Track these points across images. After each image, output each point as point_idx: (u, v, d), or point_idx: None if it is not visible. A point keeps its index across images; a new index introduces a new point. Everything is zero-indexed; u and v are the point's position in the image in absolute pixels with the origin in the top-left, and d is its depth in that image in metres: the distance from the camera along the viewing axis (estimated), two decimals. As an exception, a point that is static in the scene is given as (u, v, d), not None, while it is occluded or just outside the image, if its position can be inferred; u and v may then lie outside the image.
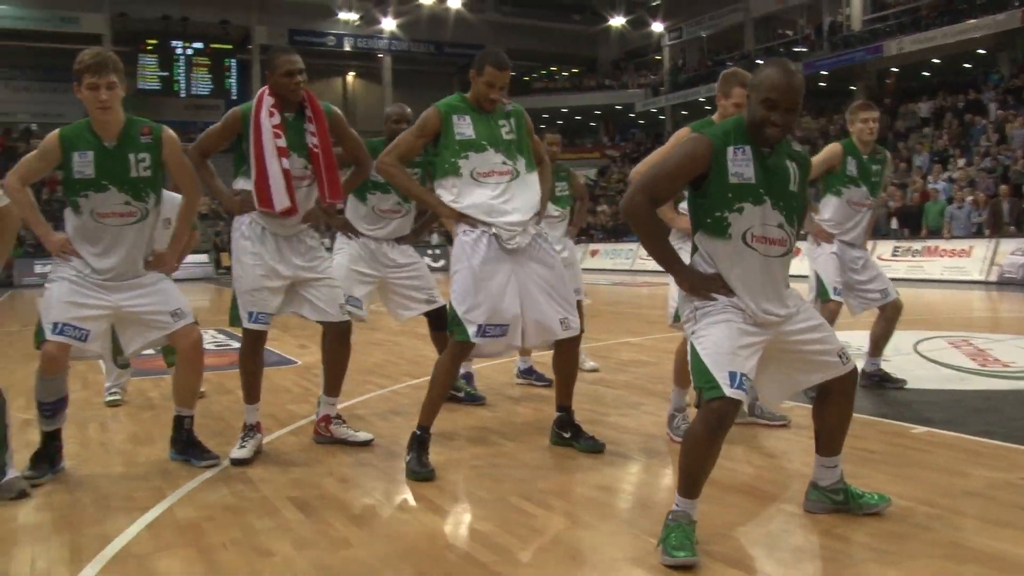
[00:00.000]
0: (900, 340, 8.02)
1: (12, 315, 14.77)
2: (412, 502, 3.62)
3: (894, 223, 20.11)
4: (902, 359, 7.05)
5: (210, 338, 9.45)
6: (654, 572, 2.78)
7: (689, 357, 3.02)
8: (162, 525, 3.40)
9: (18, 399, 5.57)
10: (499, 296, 4.01)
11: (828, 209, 5.78)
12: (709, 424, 2.89)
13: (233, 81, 37.99)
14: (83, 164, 4.01)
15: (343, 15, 37.84)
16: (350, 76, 43.32)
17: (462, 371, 5.80)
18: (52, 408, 4.15)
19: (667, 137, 27.40)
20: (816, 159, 5.73)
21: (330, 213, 4.67)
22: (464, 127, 4.15)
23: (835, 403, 3.25)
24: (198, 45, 36.86)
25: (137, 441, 4.90)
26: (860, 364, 5.93)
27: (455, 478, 3.98)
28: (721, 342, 2.95)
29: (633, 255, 26.06)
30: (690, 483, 2.93)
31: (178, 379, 4.42)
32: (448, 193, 4.13)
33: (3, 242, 3.95)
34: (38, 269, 22.15)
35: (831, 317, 5.57)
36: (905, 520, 3.20)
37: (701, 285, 3.05)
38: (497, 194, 4.11)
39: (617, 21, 40.06)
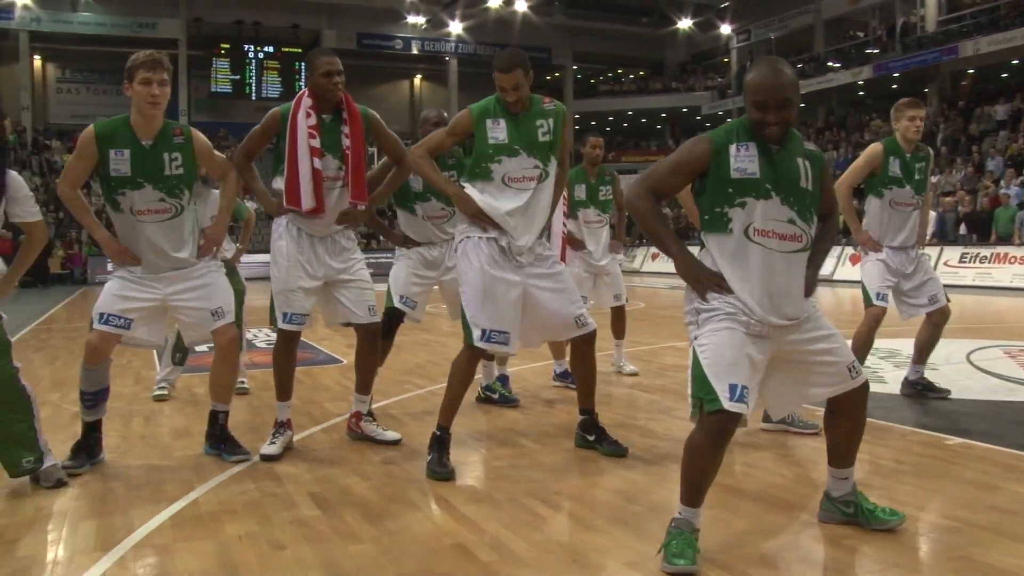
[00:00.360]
0: (954, 348, 7.87)
1: (84, 311, 15.26)
2: (427, 500, 3.67)
3: (963, 228, 19.58)
4: (952, 368, 6.90)
5: (264, 336, 9.67)
6: (652, 577, 2.78)
7: (690, 363, 2.99)
8: (185, 517, 3.51)
9: (74, 392, 5.78)
10: (504, 303, 4.06)
11: (872, 212, 5.64)
12: (710, 436, 2.87)
13: (302, 84, 38.60)
14: (119, 162, 4.14)
15: (411, 19, 38.20)
16: (417, 79, 43.72)
17: (497, 373, 5.86)
18: (94, 398, 4.31)
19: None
20: (856, 163, 5.64)
21: (358, 216, 4.64)
22: (497, 131, 4.17)
23: (845, 416, 3.18)
24: (269, 49, 37.60)
25: (176, 435, 5.05)
26: (906, 372, 5.86)
27: (473, 478, 4.04)
28: (723, 351, 2.91)
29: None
30: (692, 492, 2.92)
31: (214, 375, 4.53)
32: (476, 195, 4.16)
33: (28, 255, 4.16)
34: (111, 267, 22.79)
35: (874, 323, 5.46)
36: (920, 533, 3.15)
37: (700, 274, 3.02)
38: (522, 205, 4.13)
39: (684, 23, 39.71)
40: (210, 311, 4.29)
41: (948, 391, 5.77)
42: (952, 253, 18.67)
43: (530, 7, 37.23)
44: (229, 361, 4.42)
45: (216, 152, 4.49)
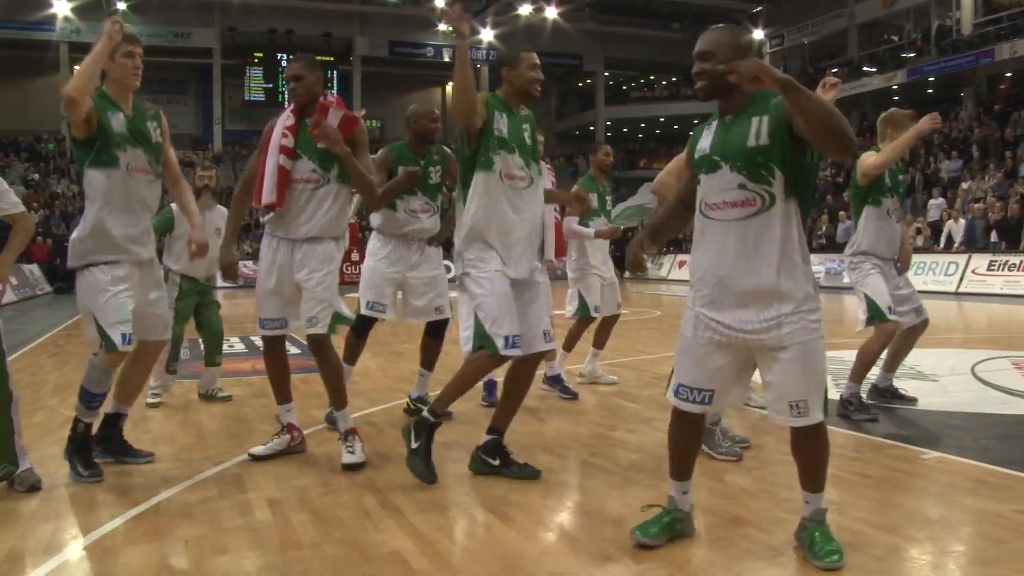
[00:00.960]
0: (963, 359, 7.76)
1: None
2: (379, 509, 3.68)
3: (993, 236, 19.25)
4: (954, 379, 6.81)
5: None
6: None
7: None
8: (143, 520, 3.57)
9: (73, 398, 5.89)
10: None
11: (869, 222, 5.54)
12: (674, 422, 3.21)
13: (335, 91, 39.00)
14: (117, 123, 4.22)
15: (442, 26, 38.40)
16: (448, 86, 43.93)
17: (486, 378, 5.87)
18: (101, 399, 4.40)
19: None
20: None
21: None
22: (501, 124, 4.12)
23: (795, 447, 3.12)
24: (302, 57, 38.01)
25: (157, 441, 5.12)
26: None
27: (432, 486, 4.02)
28: (682, 357, 3.13)
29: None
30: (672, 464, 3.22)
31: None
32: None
33: (17, 243, 4.29)
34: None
35: (888, 339, 5.42)
36: (861, 549, 3.10)
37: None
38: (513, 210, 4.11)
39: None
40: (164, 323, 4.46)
41: (915, 399, 5.75)
42: (980, 261, 18.36)
43: (560, 14, 37.29)
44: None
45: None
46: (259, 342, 4.74)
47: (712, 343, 3.03)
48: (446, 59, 40.62)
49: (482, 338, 4.01)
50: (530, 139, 4.22)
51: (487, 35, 38.97)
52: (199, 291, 6.39)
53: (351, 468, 4.29)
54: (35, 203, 29.72)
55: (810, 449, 3.07)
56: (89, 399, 4.33)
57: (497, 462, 4.15)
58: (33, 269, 23.70)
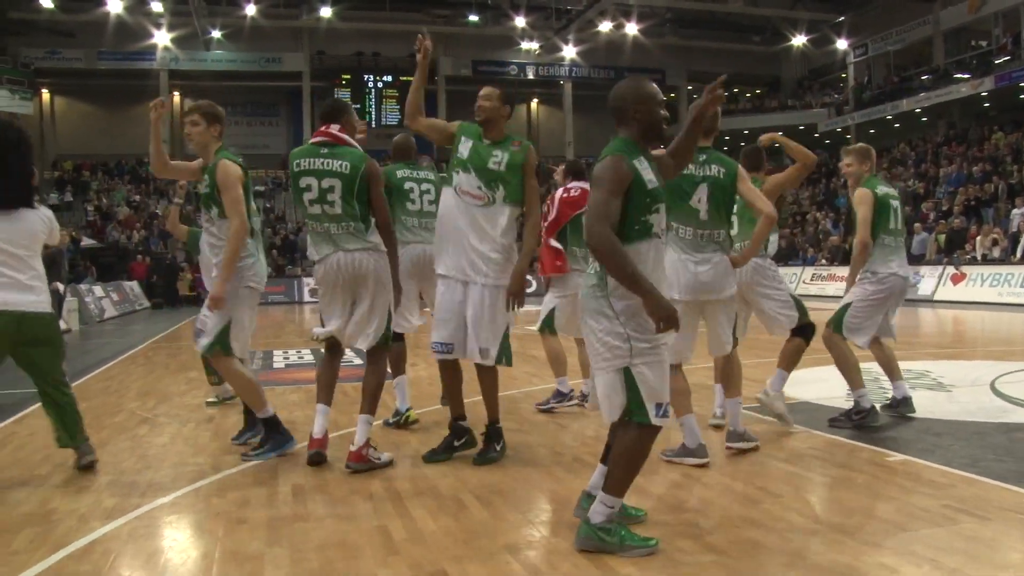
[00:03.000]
0: (987, 372, 7.95)
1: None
2: (382, 493, 4.28)
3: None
4: (969, 390, 7.03)
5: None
6: (530, 560, 3.33)
7: (624, 384, 3.37)
8: (191, 495, 4.26)
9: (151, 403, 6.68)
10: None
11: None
12: (643, 442, 3.40)
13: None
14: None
15: (524, 44, 39.18)
16: (533, 103, 44.69)
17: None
18: None
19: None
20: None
21: None
22: (463, 148, 4.88)
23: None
24: (388, 78, 39.36)
25: (217, 435, 5.85)
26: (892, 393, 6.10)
27: (433, 476, 4.61)
28: (655, 377, 3.37)
29: (797, 279, 25.63)
30: (622, 486, 3.42)
31: None
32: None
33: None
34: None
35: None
36: (779, 533, 3.56)
37: (668, 312, 3.27)
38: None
39: (799, 40, 39.25)
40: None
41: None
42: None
43: (641, 30, 37.59)
44: None
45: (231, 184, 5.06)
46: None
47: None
48: (530, 76, 41.37)
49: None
50: (495, 165, 4.82)
51: (569, 52, 39.56)
52: None
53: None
54: (137, 223, 31.54)
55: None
56: None
57: (458, 443, 5.04)
58: (133, 286, 25.24)
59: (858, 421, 5.65)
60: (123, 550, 3.55)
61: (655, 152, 3.67)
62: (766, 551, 3.34)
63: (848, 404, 5.89)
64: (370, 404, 4.91)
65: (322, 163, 4.82)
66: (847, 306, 5.89)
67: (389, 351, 5.14)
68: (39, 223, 4.76)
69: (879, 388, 6.74)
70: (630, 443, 3.39)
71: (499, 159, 4.82)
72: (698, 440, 4.78)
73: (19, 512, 4.10)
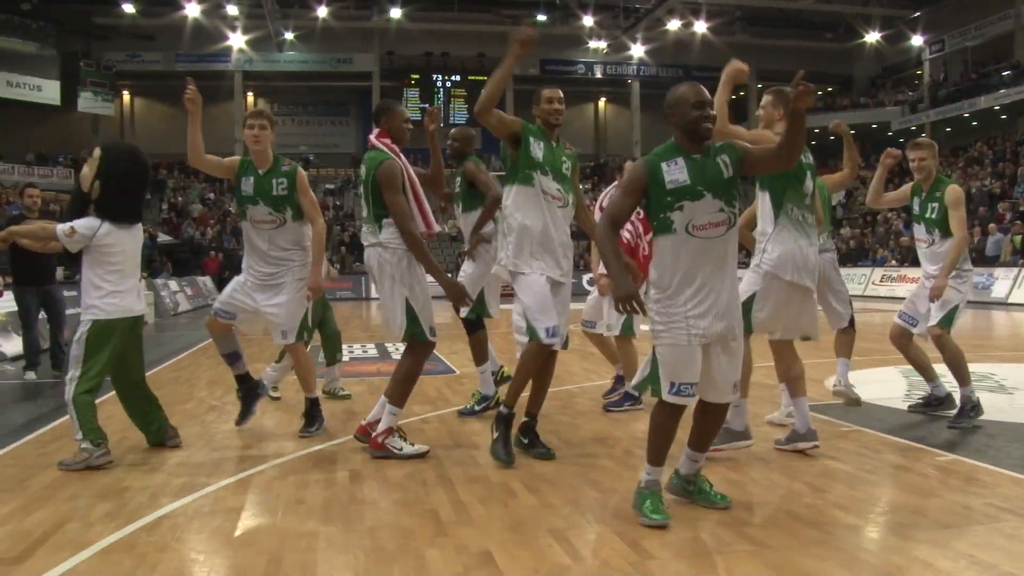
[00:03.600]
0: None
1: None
2: (435, 480, 4.44)
3: None
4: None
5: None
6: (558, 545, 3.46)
7: (651, 360, 3.82)
8: (254, 476, 4.48)
9: (219, 391, 6.98)
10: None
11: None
12: (664, 414, 3.76)
13: (489, 110, 40.42)
14: (246, 185, 5.46)
15: (592, 43, 39.16)
16: (601, 102, 44.64)
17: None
18: (230, 359, 5.69)
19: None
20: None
21: None
22: (536, 149, 4.95)
23: (713, 415, 3.90)
24: (456, 78, 39.74)
25: (281, 422, 6.09)
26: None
27: (484, 465, 4.76)
28: (671, 357, 3.68)
29: (866, 280, 25.22)
30: (657, 453, 3.78)
31: (296, 373, 5.83)
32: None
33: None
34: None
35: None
36: (820, 527, 3.63)
37: (621, 292, 3.55)
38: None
39: (872, 37, 38.53)
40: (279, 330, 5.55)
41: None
42: None
43: (710, 28, 37.29)
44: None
45: (310, 193, 5.58)
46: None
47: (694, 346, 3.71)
48: (598, 75, 41.35)
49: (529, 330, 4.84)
50: (567, 170, 5.01)
51: (637, 51, 39.44)
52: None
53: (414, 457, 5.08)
54: (211, 219, 32.42)
55: (721, 418, 3.98)
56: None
57: (527, 441, 5.00)
58: (206, 281, 25.97)
59: (973, 416, 5.68)
60: (189, 525, 3.77)
61: (751, 145, 4.00)
62: (803, 544, 3.40)
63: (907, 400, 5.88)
64: (393, 389, 5.08)
65: (361, 168, 5.21)
66: (956, 307, 5.81)
67: (427, 347, 5.18)
68: (141, 234, 5.28)
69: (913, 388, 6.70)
70: (652, 415, 3.82)
71: (567, 164, 5.03)
72: (807, 424, 4.92)
73: (96, 488, 4.37)
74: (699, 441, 3.94)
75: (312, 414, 5.71)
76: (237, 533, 3.65)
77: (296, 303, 5.48)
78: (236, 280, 5.61)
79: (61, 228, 4.97)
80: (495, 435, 4.85)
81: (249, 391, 5.75)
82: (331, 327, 7.43)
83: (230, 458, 5.05)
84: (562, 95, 5.09)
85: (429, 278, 5.00)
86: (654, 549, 3.34)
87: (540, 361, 4.91)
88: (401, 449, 4.96)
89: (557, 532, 3.56)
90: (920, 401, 6.23)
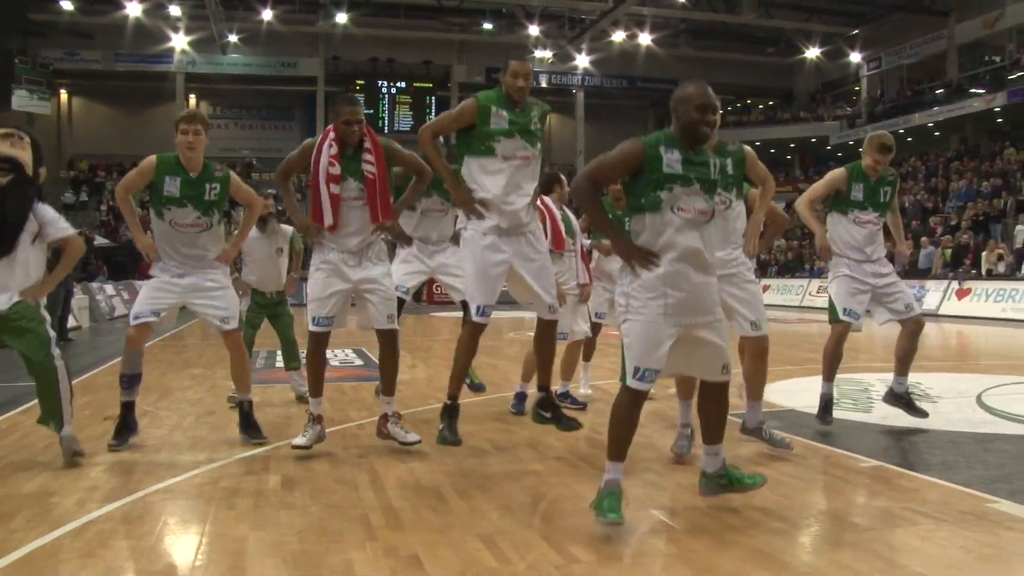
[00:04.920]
0: (973, 384, 8.07)
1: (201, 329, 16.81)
2: (367, 484, 4.45)
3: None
4: (952, 402, 7.13)
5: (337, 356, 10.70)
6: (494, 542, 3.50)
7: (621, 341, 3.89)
8: (188, 481, 4.44)
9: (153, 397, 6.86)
10: (494, 279, 4.91)
11: (832, 228, 6.10)
12: (626, 402, 3.76)
13: (433, 116, 40.43)
14: (171, 186, 5.32)
15: (538, 53, 39.33)
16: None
17: (518, 389, 6.70)
18: (129, 381, 5.45)
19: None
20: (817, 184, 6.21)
21: (390, 229, 5.40)
22: (499, 119, 4.91)
23: (713, 400, 3.97)
24: (402, 84, 39.70)
25: (215, 428, 6.04)
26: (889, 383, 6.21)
27: (415, 467, 4.77)
28: (636, 340, 3.73)
29: (803, 291, 25.72)
30: (617, 448, 3.75)
31: (232, 370, 5.68)
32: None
33: (68, 263, 5.21)
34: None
35: (840, 338, 5.88)
36: (744, 531, 3.72)
37: (635, 251, 3.74)
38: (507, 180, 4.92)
39: (812, 53, 39.33)
40: (219, 319, 5.44)
41: (925, 413, 6.03)
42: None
43: (654, 40, 37.74)
44: (239, 358, 5.60)
45: (245, 187, 5.66)
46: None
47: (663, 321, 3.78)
48: (543, 84, 41.48)
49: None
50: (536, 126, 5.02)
51: (582, 61, 39.74)
52: (267, 304, 7.29)
53: (409, 445, 5.19)
54: (150, 223, 31.82)
55: (723, 401, 3.98)
56: (120, 379, 5.51)
57: (549, 415, 5.05)
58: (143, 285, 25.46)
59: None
60: (116, 530, 3.72)
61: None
62: (727, 548, 3.48)
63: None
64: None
65: None
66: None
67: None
68: None
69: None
70: (613, 408, 3.83)
71: (535, 119, 5.02)
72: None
73: (20, 494, 4.30)
74: (711, 433, 4.01)
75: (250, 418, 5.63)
76: (166, 538, 3.62)
77: (228, 290, 5.53)
78: (151, 284, 5.47)
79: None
80: (440, 426, 4.95)
81: (131, 421, 5.51)
82: (286, 335, 7.38)
83: (161, 463, 4.99)
84: (530, 70, 5.03)
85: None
86: (581, 553, 3.39)
87: (473, 342, 4.98)
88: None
89: (486, 536, 3.59)
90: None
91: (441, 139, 5.21)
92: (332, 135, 5.19)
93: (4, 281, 4.82)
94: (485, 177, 4.92)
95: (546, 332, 5.12)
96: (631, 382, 3.71)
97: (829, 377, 5.92)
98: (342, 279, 5.18)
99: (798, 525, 3.83)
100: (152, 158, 5.40)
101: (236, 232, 5.88)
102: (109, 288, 21.80)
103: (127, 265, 28.18)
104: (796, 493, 4.35)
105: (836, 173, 6.07)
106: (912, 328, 5.96)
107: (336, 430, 5.85)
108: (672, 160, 3.75)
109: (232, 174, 5.56)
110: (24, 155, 4.91)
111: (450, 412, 4.95)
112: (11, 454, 5.25)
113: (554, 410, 5.06)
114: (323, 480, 4.57)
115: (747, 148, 5.15)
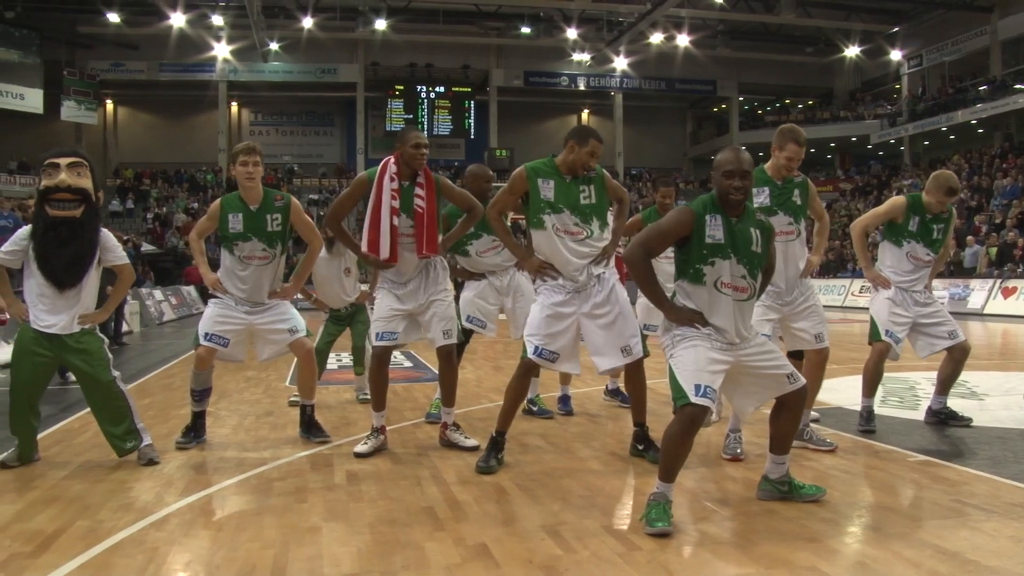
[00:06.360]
0: (1020, 382, 8.08)
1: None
2: (429, 479, 4.63)
3: None
4: (1000, 399, 7.17)
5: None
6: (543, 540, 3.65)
7: (667, 376, 3.90)
8: (257, 477, 4.65)
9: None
10: (559, 329, 4.92)
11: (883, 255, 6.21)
12: (683, 425, 3.76)
13: (471, 121, 40.85)
14: (235, 222, 5.52)
15: (576, 56, 39.52)
16: (584, 113, 44.99)
17: (560, 392, 6.80)
18: (200, 395, 5.69)
19: (903, 169, 26.90)
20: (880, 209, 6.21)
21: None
22: (547, 190, 4.97)
23: (786, 413, 4.07)
24: (440, 89, 40.11)
25: (275, 427, 6.27)
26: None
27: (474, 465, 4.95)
28: (689, 362, 3.83)
29: (845, 291, 25.57)
30: (668, 470, 3.80)
31: (299, 377, 5.82)
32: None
33: (120, 291, 5.46)
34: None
35: (879, 357, 5.95)
36: (796, 521, 3.84)
37: (687, 318, 3.92)
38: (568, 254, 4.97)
39: (852, 51, 39.10)
40: (287, 329, 5.55)
41: (969, 419, 6.07)
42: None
43: (692, 41, 37.72)
44: (307, 365, 5.78)
45: (307, 219, 5.79)
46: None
47: (711, 350, 3.92)
48: (581, 87, 41.72)
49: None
50: (588, 199, 4.99)
51: (620, 64, 39.84)
52: (344, 317, 7.60)
53: (473, 450, 5.31)
54: (196, 229, 32.41)
55: (797, 413, 4.09)
56: (191, 393, 5.80)
57: (641, 447, 5.17)
58: (191, 290, 26.02)
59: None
60: (196, 520, 3.94)
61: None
62: (781, 537, 3.61)
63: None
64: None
65: None
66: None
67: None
68: None
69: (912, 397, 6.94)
70: (666, 430, 3.85)
71: (585, 193, 5.00)
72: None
73: (101, 488, 4.54)
74: (781, 444, 4.13)
75: (312, 420, 5.84)
76: (243, 529, 3.81)
77: (287, 305, 5.73)
78: (217, 303, 5.62)
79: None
80: (483, 453, 5.00)
81: (201, 427, 5.77)
82: (356, 342, 7.64)
83: (230, 460, 5.21)
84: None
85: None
86: (640, 542, 3.54)
87: (524, 380, 5.02)
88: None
89: (548, 527, 3.75)
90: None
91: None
92: (393, 168, 5.32)
93: (69, 306, 5.07)
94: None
95: (633, 374, 5.15)
96: (695, 399, 3.72)
97: (869, 394, 5.99)
98: (401, 303, 5.39)
99: (847, 516, 3.94)
100: (217, 201, 5.67)
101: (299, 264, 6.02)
102: (158, 293, 22.26)
103: (173, 271, 28.73)
104: (845, 486, 4.46)
105: (896, 201, 6.12)
106: (958, 355, 6.05)
107: (393, 428, 6.04)
108: (713, 227, 3.89)
109: (293, 201, 5.70)
110: (89, 184, 5.12)
111: (494, 444, 4.96)
112: (86, 451, 5.50)
113: (647, 443, 5.15)
114: (387, 476, 4.76)
115: (810, 181, 5.28)
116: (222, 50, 36.23)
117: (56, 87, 34.73)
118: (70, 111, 35.38)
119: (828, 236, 5.35)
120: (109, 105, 39.85)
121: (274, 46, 36.21)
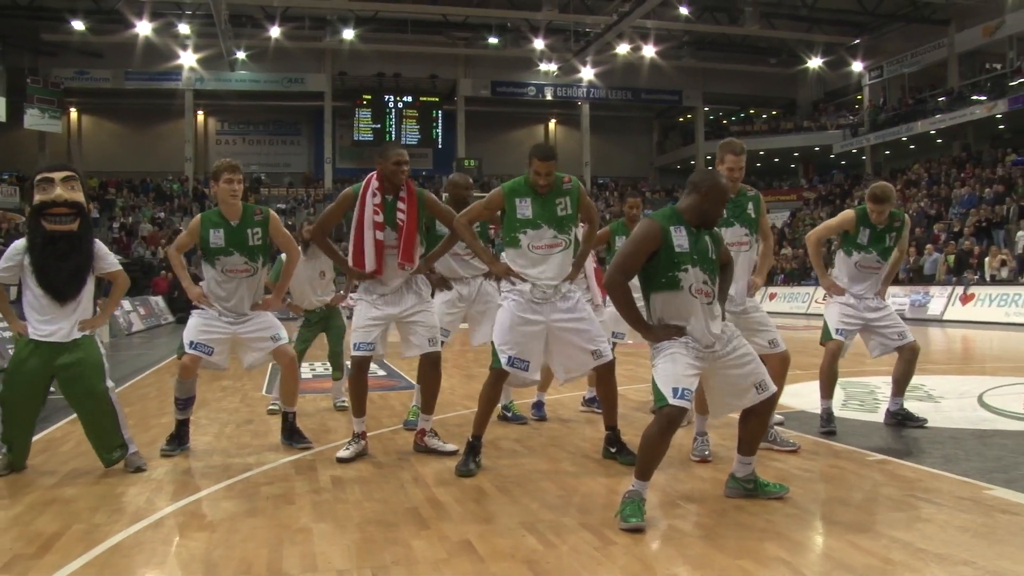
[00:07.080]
0: (975, 385, 8.39)
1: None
2: (412, 481, 4.81)
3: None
4: (955, 402, 7.46)
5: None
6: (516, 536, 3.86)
7: (652, 386, 4.16)
8: (244, 482, 4.80)
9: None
10: (529, 338, 5.09)
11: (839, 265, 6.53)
12: (662, 425, 3.99)
13: (439, 130, 41.02)
14: (216, 238, 5.65)
15: (543, 66, 39.83)
16: (551, 123, 45.36)
17: (536, 398, 7.00)
18: (184, 403, 5.82)
19: (866, 178, 27.30)
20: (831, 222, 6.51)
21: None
22: (524, 208, 5.15)
23: (754, 418, 4.33)
24: (408, 98, 40.27)
25: (256, 435, 6.41)
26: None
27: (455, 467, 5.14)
28: (668, 370, 4.07)
29: (809, 298, 26.04)
30: (645, 469, 4.03)
31: (281, 384, 5.96)
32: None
33: (115, 297, 5.62)
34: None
35: (832, 357, 6.24)
36: (762, 516, 4.08)
37: (665, 334, 4.16)
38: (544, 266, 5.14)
39: (815, 63, 39.80)
40: (269, 337, 5.69)
41: (924, 420, 6.37)
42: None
43: (658, 52, 38.16)
44: (290, 372, 5.90)
45: (286, 232, 5.94)
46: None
47: (689, 357, 4.15)
48: (548, 97, 42.05)
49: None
50: (565, 211, 5.17)
51: (587, 74, 40.22)
52: (318, 320, 7.72)
53: (452, 454, 5.46)
54: (161, 239, 32.31)
55: (765, 418, 4.37)
56: (175, 402, 5.92)
57: (614, 449, 5.36)
58: (158, 301, 25.94)
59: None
60: (189, 523, 4.10)
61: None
62: (749, 531, 3.84)
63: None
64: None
65: None
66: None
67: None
68: None
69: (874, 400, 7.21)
70: (645, 431, 4.09)
71: (562, 205, 5.17)
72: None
73: (93, 493, 4.68)
74: (748, 446, 4.37)
75: (293, 427, 5.98)
76: (236, 530, 3.98)
77: (268, 314, 5.85)
78: (201, 314, 5.74)
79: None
80: (461, 458, 5.15)
81: (185, 435, 5.89)
82: (332, 348, 7.78)
83: (215, 466, 5.36)
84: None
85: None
86: (616, 536, 3.75)
87: (496, 388, 5.20)
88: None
89: (528, 524, 3.96)
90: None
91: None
92: (376, 183, 5.50)
93: (68, 315, 5.21)
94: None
95: (604, 377, 5.34)
96: (673, 401, 3.95)
97: (827, 395, 6.27)
98: (382, 311, 5.55)
99: (809, 510, 4.18)
100: (197, 217, 5.80)
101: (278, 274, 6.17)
102: (126, 304, 22.16)
103: (140, 281, 28.56)
104: (807, 484, 4.71)
105: (846, 214, 6.46)
106: (908, 355, 6.37)
107: (372, 435, 6.21)
108: (679, 237, 4.16)
109: (272, 214, 5.85)
110: (82, 197, 5.28)
111: (471, 448, 5.14)
112: (72, 460, 5.61)
113: (618, 445, 5.36)
114: (371, 479, 4.94)
115: (762, 197, 5.56)
116: (188, 59, 36.13)
117: (19, 95, 34.42)
118: (33, 119, 35.07)
119: (772, 256, 5.58)
120: (73, 113, 39.54)
121: (241, 55, 36.18)
